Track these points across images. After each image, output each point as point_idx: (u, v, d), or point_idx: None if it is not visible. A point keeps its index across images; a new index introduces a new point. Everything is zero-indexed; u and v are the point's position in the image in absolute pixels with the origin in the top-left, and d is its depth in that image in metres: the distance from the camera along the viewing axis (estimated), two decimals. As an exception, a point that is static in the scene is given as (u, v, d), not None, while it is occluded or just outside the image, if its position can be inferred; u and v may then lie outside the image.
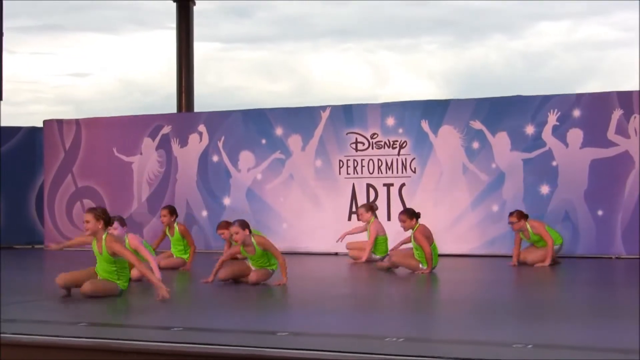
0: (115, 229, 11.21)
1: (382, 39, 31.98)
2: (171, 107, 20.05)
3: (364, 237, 13.80)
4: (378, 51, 32.43)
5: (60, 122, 17.44)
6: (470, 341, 6.60)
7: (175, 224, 12.79)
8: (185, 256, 12.70)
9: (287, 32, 32.06)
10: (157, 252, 13.06)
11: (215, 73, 31.87)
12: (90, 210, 9.49)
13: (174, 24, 19.92)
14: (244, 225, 10.44)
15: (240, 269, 10.69)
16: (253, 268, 10.61)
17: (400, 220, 11.92)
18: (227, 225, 12.66)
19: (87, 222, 9.31)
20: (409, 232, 12.00)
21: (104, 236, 9.27)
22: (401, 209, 14.75)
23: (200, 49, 25.54)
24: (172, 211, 12.91)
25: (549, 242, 12.53)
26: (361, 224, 13.97)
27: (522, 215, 12.72)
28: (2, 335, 6.80)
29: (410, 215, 11.88)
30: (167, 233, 12.89)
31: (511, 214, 12.82)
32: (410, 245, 12.01)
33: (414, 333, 7.07)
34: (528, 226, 12.66)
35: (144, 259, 10.28)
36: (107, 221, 9.37)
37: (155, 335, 6.91)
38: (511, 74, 30.46)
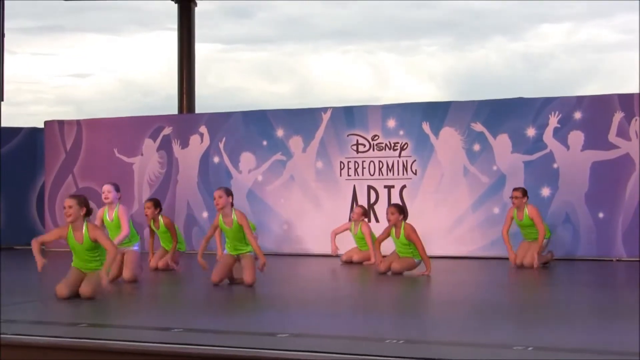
0: (110, 192, 11.50)
1: (383, 40, 31.97)
2: (172, 108, 20.04)
3: (348, 240, 13.89)
4: (379, 53, 32.43)
5: (61, 122, 17.45)
6: (471, 343, 6.60)
7: (160, 217, 12.68)
8: (177, 247, 12.69)
9: (288, 33, 32.05)
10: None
11: (216, 74, 31.88)
12: (73, 196, 9.39)
13: (175, 25, 19.92)
14: (228, 192, 10.59)
15: (229, 263, 10.60)
16: (228, 253, 10.57)
17: (390, 213, 11.84)
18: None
19: (70, 207, 9.14)
20: (384, 229, 12.17)
21: (84, 225, 9.17)
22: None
23: (201, 49, 25.53)
24: (156, 204, 12.80)
25: (541, 230, 12.51)
26: (342, 223, 14.28)
27: (525, 194, 12.77)
28: (2, 336, 6.80)
29: (400, 210, 11.89)
30: (152, 227, 12.79)
31: (517, 189, 12.82)
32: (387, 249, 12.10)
33: (413, 335, 7.07)
34: (526, 208, 12.66)
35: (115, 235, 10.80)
36: (89, 210, 9.26)
37: (155, 336, 6.91)
38: (512, 76, 30.45)
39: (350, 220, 14.22)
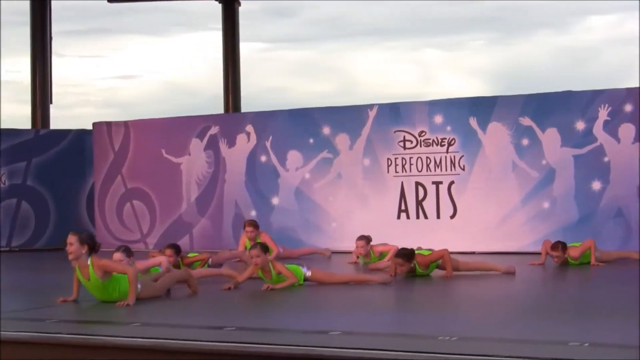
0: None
1: (427, 36, 31.86)
2: (218, 107, 20.16)
3: None
4: (423, 49, 32.31)
5: (109, 124, 17.59)
6: (525, 340, 6.53)
7: (180, 262, 11.91)
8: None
9: (332, 31, 32.06)
10: None
11: (261, 73, 31.96)
12: (75, 233, 8.88)
13: (219, 25, 20.03)
14: (264, 248, 10.16)
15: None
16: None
17: (399, 264, 10.92)
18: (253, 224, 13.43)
19: (71, 244, 8.69)
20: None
21: (89, 262, 8.73)
22: (451, 207, 14.72)
23: (245, 49, 25.63)
24: (178, 251, 12.02)
25: (591, 247, 12.06)
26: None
27: (565, 249, 12.05)
28: (57, 335, 6.87)
29: (408, 258, 10.93)
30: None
31: (555, 246, 12.03)
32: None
33: (467, 332, 7.02)
34: (567, 257, 12.10)
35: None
36: (92, 247, 8.80)
37: (208, 335, 6.93)
38: (558, 70, 30.16)
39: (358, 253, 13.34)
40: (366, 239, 13.24)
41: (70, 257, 8.76)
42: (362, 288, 10.49)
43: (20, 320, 7.89)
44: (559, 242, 12.14)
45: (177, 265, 11.81)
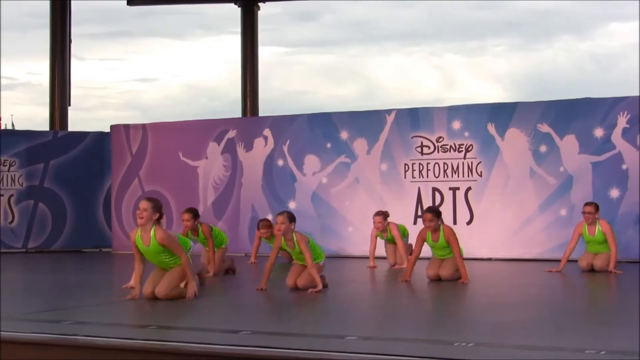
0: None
1: (448, 42, 31.88)
2: (236, 111, 20.20)
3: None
4: (444, 54, 32.33)
5: (127, 126, 17.64)
6: (542, 346, 6.50)
7: (199, 225, 12.33)
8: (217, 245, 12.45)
9: (353, 35, 32.11)
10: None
11: (280, 77, 32.03)
12: (149, 199, 9.33)
13: (238, 29, 20.04)
14: (291, 218, 10.16)
15: (299, 270, 10.42)
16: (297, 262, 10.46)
17: (429, 220, 11.11)
18: (268, 223, 13.36)
19: (145, 210, 9.09)
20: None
21: (152, 229, 9.12)
22: (467, 213, 14.70)
23: (265, 53, 25.71)
24: (195, 214, 12.35)
25: (613, 247, 12.05)
26: (371, 239, 13.66)
27: (598, 209, 12.25)
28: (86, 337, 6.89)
29: (437, 214, 11.26)
30: (191, 236, 12.30)
31: (589, 204, 12.28)
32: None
33: (484, 338, 6.99)
34: (598, 223, 12.22)
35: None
36: (161, 215, 9.23)
37: (223, 338, 6.93)
38: (580, 76, 30.10)
39: (375, 228, 13.52)
40: (383, 214, 13.48)
41: (142, 221, 9.13)
42: (379, 293, 10.48)
43: (37, 321, 7.92)
44: (594, 202, 12.43)
45: (195, 230, 12.30)
